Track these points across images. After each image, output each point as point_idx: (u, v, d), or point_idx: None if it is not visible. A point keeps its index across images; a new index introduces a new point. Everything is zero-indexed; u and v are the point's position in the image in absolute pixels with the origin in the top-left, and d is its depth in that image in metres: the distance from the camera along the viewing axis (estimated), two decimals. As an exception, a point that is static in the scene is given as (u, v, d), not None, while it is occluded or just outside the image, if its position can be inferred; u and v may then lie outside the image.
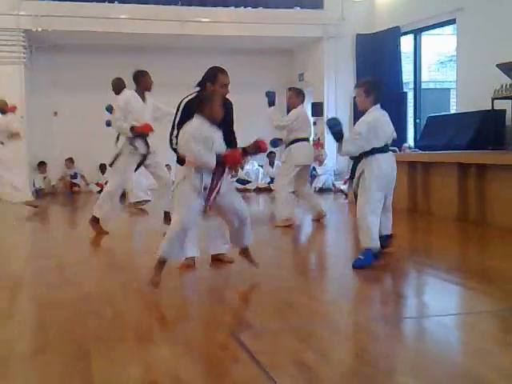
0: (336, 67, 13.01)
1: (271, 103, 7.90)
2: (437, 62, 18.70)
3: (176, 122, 5.00)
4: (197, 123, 4.43)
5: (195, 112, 4.50)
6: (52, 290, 4.63)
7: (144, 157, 7.13)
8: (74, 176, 13.63)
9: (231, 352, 3.18)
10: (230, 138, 5.13)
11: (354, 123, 13.30)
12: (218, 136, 4.50)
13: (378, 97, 5.09)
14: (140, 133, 7.02)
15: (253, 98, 13.69)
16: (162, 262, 4.50)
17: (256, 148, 4.73)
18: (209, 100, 4.46)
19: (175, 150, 4.96)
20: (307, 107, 7.98)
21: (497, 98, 8.83)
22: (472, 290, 4.53)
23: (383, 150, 5.05)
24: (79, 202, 12.24)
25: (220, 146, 4.51)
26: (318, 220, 8.07)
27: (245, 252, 4.98)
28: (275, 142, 8.05)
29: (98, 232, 7.15)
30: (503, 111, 9.10)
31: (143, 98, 7.16)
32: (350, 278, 4.90)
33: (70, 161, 13.57)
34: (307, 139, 7.96)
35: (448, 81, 17.29)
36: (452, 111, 14.10)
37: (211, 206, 4.52)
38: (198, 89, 5.06)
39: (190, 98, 5.04)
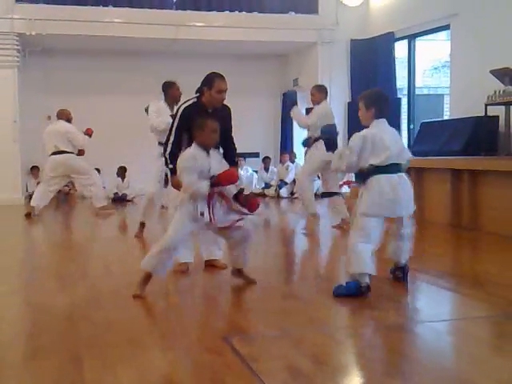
0: (330, 72, 13.02)
1: (293, 103, 7.88)
2: (431, 68, 18.77)
3: (174, 128, 5.00)
4: (191, 152, 4.43)
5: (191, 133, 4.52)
6: (45, 295, 4.62)
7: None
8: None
9: (224, 358, 3.17)
10: (228, 144, 5.18)
11: (349, 129, 13.40)
12: (215, 160, 4.50)
13: (381, 110, 4.55)
14: None
15: (247, 102, 13.74)
16: (148, 276, 4.49)
17: (247, 203, 4.61)
18: (199, 129, 4.45)
19: (170, 157, 4.98)
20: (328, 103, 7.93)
21: (490, 104, 8.85)
22: (465, 296, 4.54)
23: (387, 169, 4.44)
24: (72, 207, 12.20)
25: (218, 169, 4.48)
26: (342, 227, 7.74)
27: (239, 273, 4.88)
28: (307, 142, 8.03)
29: (137, 236, 7.35)
30: (496, 117, 9.13)
31: (171, 109, 7.19)
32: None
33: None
34: None
35: (442, 86, 17.35)
36: (445, 117, 14.14)
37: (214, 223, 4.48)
38: (196, 94, 5.10)
39: (187, 104, 5.05)
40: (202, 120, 4.52)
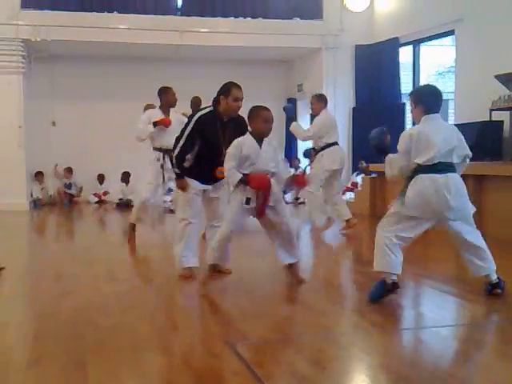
0: (335, 78, 13.01)
1: (291, 118, 7.87)
2: (435, 73, 18.73)
3: (186, 133, 5.00)
4: (239, 140, 4.68)
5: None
6: (49, 300, 4.61)
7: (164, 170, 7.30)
8: (69, 186, 13.58)
9: (228, 363, 3.17)
10: None
11: (353, 134, 13.37)
12: (266, 153, 4.72)
13: (431, 106, 4.32)
14: (160, 124, 7.16)
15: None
16: (213, 266, 5.16)
17: (295, 181, 4.91)
18: (251, 117, 4.70)
19: (176, 161, 5.03)
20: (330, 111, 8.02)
21: (495, 109, 8.83)
22: (469, 302, 4.52)
23: (433, 169, 4.18)
24: (77, 213, 12.22)
25: (267, 161, 4.72)
26: (350, 227, 7.88)
27: (290, 269, 5.02)
28: (308, 153, 8.04)
29: (129, 240, 7.29)
30: (501, 122, 9.11)
31: (167, 115, 7.26)
32: (346, 288, 4.89)
33: (68, 171, 13.53)
34: (336, 143, 7.90)
35: (446, 92, 17.29)
36: (450, 122, 14.11)
37: (262, 213, 4.73)
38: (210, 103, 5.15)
39: (203, 112, 5.08)
40: (255, 108, 4.74)
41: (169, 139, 7.15)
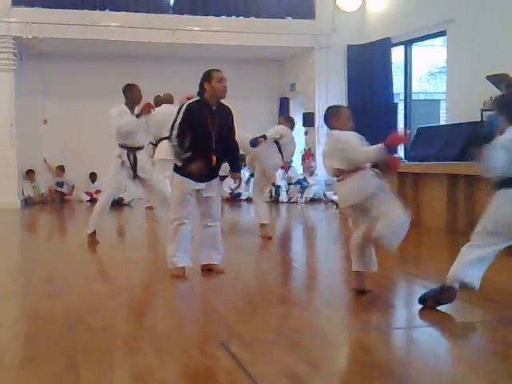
0: (327, 77, 13.04)
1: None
2: (427, 74, 18.80)
3: (177, 123, 5.01)
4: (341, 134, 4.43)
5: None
6: (41, 300, 4.60)
7: (134, 171, 7.05)
8: (61, 184, 13.55)
9: (221, 363, 3.16)
10: (231, 146, 5.29)
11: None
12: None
13: None
14: (144, 111, 6.92)
15: (244, 106, 13.73)
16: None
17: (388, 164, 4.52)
18: (335, 116, 4.52)
19: (174, 150, 5.02)
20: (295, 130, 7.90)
21: (486, 110, 8.87)
22: (461, 301, 4.53)
23: None
24: (68, 211, 12.18)
25: None
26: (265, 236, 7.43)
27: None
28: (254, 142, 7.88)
29: (91, 242, 7.08)
30: (492, 123, 9.15)
31: (132, 112, 7.01)
32: (339, 288, 4.89)
33: (60, 169, 13.50)
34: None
35: (438, 92, 17.37)
36: (442, 122, 14.17)
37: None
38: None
39: (191, 101, 5.13)
40: (336, 107, 4.66)
41: (133, 137, 6.95)
